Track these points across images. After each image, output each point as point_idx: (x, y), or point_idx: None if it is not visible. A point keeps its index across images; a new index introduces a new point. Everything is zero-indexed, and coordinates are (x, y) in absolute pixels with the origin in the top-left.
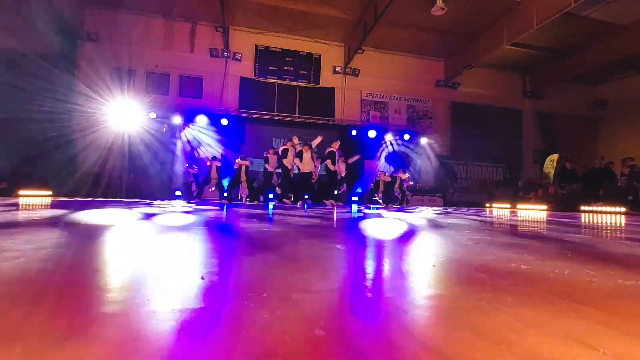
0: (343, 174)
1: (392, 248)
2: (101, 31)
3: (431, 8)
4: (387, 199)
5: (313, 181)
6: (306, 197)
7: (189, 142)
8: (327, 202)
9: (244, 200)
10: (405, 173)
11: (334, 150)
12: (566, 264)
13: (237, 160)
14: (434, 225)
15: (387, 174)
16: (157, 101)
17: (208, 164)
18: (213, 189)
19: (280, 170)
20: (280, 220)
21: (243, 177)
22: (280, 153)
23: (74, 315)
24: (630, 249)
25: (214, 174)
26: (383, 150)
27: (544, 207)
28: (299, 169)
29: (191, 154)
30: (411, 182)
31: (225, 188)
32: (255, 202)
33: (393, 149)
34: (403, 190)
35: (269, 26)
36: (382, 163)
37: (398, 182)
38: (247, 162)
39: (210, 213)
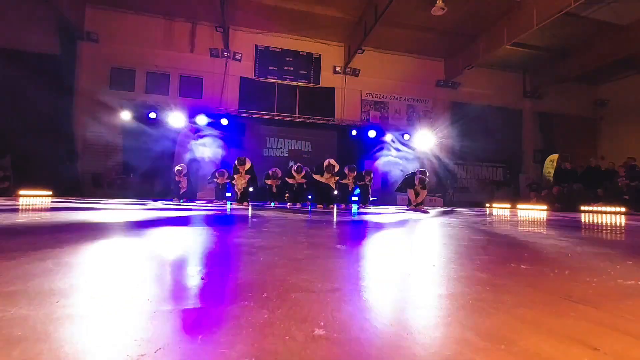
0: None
1: (392, 247)
2: (101, 31)
3: (431, 8)
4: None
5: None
6: (309, 197)
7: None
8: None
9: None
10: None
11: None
12: (566, 264)
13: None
14: None
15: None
16: (157, 101)
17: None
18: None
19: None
20: None
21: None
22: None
23: None
24: (632, 249)
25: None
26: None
27: (544, 207)
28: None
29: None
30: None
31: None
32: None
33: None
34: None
35: (269, 26)
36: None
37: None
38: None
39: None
